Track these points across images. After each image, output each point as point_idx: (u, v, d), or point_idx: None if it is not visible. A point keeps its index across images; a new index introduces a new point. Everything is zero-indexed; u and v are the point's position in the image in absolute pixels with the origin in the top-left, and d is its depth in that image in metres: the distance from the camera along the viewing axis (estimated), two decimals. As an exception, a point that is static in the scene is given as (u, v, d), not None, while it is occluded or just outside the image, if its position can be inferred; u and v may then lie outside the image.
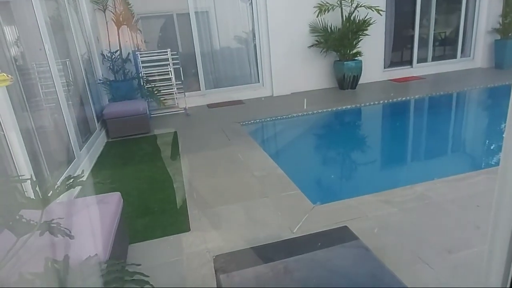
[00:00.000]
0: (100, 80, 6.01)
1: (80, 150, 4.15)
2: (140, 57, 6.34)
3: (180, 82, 6.74)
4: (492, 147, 4.82)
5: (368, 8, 7.05)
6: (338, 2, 7.18)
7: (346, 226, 1.66)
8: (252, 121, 5.96)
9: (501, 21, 8.44)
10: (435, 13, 8.59)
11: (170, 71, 6.56)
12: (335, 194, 3.71)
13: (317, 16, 7.26)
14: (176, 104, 6.87)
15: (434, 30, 8.74)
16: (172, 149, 4.85)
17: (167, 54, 6.47)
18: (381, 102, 6.66)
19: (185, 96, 6.82)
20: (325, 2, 7.22)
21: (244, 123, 5.81)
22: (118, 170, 4.29)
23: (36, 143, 3.11)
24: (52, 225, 1.45)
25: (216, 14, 7.33)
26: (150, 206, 3.20)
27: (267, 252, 1.48)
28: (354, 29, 7.18)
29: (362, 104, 6.61)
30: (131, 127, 5.55)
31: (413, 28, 8.54)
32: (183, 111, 6.79)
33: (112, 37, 6.31)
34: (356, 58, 7.46)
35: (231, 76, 7.74)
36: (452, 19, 8.97)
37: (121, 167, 4.41)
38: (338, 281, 1.29)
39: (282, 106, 6.82)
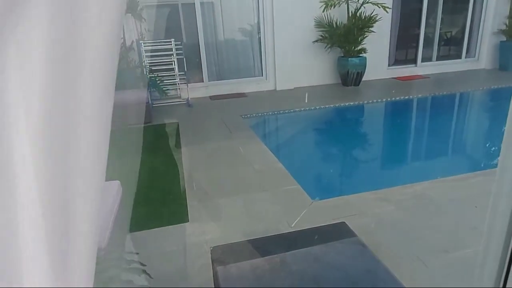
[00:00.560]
0: (103, 68, 5.99)
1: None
2: (144, 46, 6.32)
3: (183, 73, 6.73)
4: (491, 149, 4.82)
5: (375, 4, 6.99)
6: (345, -2, 7.13)
7: (344, 222, 1.68)
8: (254, 115, 5.96)
9: (507, 23, 8.38)
10: (442, 12, 8.52)
11: (174, 61, 6.54)
12: (334, 190, 3.73)
13: (323, 11, 7.21)
14: (179, 95, 6.86)
15: (440, 30, 8.68)
16: (173, 139, 4.86)
17: (171, 44, 6.45)
18: (384, 100, 6.65)
19: (187, 87, 6.81)
20: (331, -3, 7.16)
21: (246, 116, 5.81)
22: (118, 159, 4.30)
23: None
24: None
25: (221, 5, 7.28)
26: (150, 195, 3.22)
27: (264, 245, 1.49)
28: (359, 25, 7.13)
29: (365, 102, 6.59)
30: (133, 116, 5.54)
31: (419, 26, 8.48)
32: (185, 102, 6.78)
33: (116, 25, 6.27)
34: (360, 55, 7.43)
35: (235, 69, 7.72)
36: (458, 19, 8.90)
37: (121, 156, 4.41)
38: (334, 275, 1.30)
39: (285, 100, 6.81)
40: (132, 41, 6.52)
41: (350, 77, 7.45)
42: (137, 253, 1.39)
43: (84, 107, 0.47)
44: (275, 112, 6.14)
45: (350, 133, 5.64)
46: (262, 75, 7.77)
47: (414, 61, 8.73)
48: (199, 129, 5.26)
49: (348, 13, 7.19)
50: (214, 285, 1.36)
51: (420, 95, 6.95)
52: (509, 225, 0.69)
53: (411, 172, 4.11)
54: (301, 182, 3.32)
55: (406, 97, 6.81)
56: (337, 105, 6.37)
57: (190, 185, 3.39)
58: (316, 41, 7.56)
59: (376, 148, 5.07)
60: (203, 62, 7.41)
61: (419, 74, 8.52)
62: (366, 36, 7.32)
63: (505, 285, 0.71)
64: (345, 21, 7.30)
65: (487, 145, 5.08)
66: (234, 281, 1.30)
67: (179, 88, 6.82)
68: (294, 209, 2.83)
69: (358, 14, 7.12)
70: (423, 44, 8.59)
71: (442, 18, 8.59)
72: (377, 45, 7.77)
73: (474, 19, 8.82)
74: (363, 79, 7.60)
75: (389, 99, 6.71)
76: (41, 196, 0.44)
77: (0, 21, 0.39)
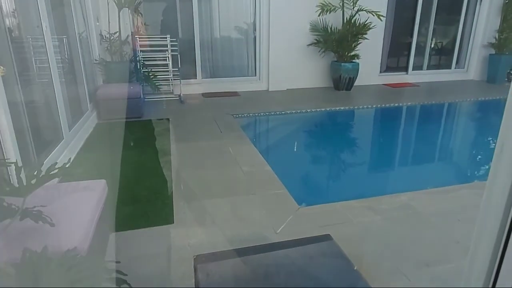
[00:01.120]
0: (96, 60, 5.90)
1: (70, 131, 4.08)
2: (139, 40, 6.24)
3: (177, 69, 6.68)
4: (477, 161, 4.92)
5: (369, 12, 7.05)
6: (341, 4, 7.17)
7: (328, 234, 1.69)
8: (246, 114, 5.95)
9: (497, 36, 8.56)
10: (434, 23, 8.66)
11: (168, 57, 6.49)
12: (321, 196, 3.75)
13: (319, 15, 7.24)
14: (171, 91, 6.80)
15: (431, 40, 8.82)
16: (163, 136, 4.81)
17: (166, 40, 6.39)
18: (374, 106, 6.71)
19: (180, 83, 6.76)
20: (328, 2, 7.19)
21: (237, 116, 5.79)
22: (105, 154, 4.25)
23: (24, 119, 3.05)
24: (34, 212, 1.43)
25: (219, 3, 7.24)
26: (136, 194, 3.18)
27: (248, 255, 1.49)
28: (354, 32, 7.19)
29: (356, 107, 6.64)
30: (124, 110, 5.47)
31: (411, 35, 8.60)
32: (178, 98, 6.73)
33: (113, 18, 6.19)
34: (353, 61, 7.49)
35: (229, 67, 7.69)
36: (450, 30, 9.05)
37: (109, 151, 4.36)
38: (316, 289, 1.31)
39: (277, 101, 6.83)
40: (128, 35, 6.44)
41: (342, 81, 7.51)
42: (118, 262, 1.37)
43: None
44: (266, 113, 6.14)
45: (338, 139, 5.68)
46: (256, 75, 7.76)
47: (405, 69, 8.85)
48: (190, 127, 5.23)
49: (343, 19, 7.24)
50: (196, 293, 1.36)
51: (409, 103, 7.04)
52: (497, 240, 0.69)
53: (397, 181, 4.16)
54: (289, 187, 3.32)
55: (396, 104, 6.90)
56: (328, 109, 6.40)
57: (178, 184, 3.36)
58: (311, 44, 7.59)
59: (364, 154, 5.11)
60: (197, 59, 7.37)
61: (409, 82, 8.63)
62: (360, 43, 7.39)
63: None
64: (340, 26, 7.34)
65: (473, 157, 5.17)
66: (217, 291, 1.30)
67: (172, 84, 6.77)
68: (280, 214, 2.84)
69: (352, 21, 7.17)
70: (415, 53, 8.71)
71: (434, 29, 8.73)
72: (370, 51, 7.85)
73: (465, 31, 8.98)
74: (355, 84, 7.67)
75: (379, 105, 6.77)
76: None
77: None
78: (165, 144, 4.46)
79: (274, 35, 7.33)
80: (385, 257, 2.35)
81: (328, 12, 7.22)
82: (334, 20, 7.42)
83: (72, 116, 4.32)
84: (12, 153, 2.54)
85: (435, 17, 8.58)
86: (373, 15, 7.06)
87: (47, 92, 3.74)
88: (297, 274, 1.37)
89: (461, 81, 9.01)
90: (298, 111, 6.22)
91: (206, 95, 7.22)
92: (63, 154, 3.71)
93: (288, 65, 7.57)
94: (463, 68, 9.26)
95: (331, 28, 7.43)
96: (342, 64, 7.39)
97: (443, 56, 9.31)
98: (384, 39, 8.21)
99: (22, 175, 1.56)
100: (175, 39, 6.51)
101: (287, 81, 7.68)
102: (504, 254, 0.67)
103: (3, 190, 1.42)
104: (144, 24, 6.71)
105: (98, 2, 6.18)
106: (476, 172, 4.55)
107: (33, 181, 1.42)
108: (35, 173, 1.41)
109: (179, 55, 6.62)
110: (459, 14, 8.76)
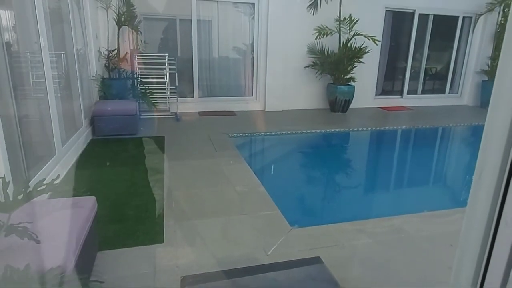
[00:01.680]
0: (93, 76, 5.95)
1: (63, 146, 4.06)
2: (138, 58, 6.32)
3: (174, 87, 6.74)
4: (471, 186, 4.92)
5: (366, 37, 7.21)
6: (337, 28, 7.34)
7: (318, 257, 1.67)
8: (241, 134, 5.97)
9: (489, 63, 8.75)
10: (428, 49, 8.88)
11: (166, 75, 6.56)
12: (314, 218, 3.72)
13: (316, 38, 7.40)
14: (168, 109, 6.84)
15: (425, 65, 9.02)
16: (157, 154, 4.80)
17: (165, 59, 6.48)
18: (369, 129, 6.77)
19: (177, 101, 6.80)
20: (325, 26, 7.36)
21: (232, 135, 5.81)
22: (98, 170, 4.22)
23: (17, 133, 3.03)
24: (19, 228, 1.41)
25: (218, 24, 7.39)
26: (126, 212, 3.14)
27: (236, 277, 1.47)
28: (350, 55, 7.33)
29: (351, 129, 6.69)
30: (119, 126, 5.48)
31: (406, 60, 8.78)
32: (174, 115, 6.76)
33: (112, 36, 6.29)
34: (349, 83, 7.60)
35: (226, 87, 7.77)
36: (443, 56, 9.26)
37: (102, 167, 4.33)
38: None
39: (273, 122, 6.87)
40: (126, 53, 6.52)
41: (338, 103, 7.59)
42: (102, 282, 1.34)
43: None
44: (262, 133, 6.16)
45: (333, 160, 5.70)
46: (252, 95, 7.84)
47: (400, 93, 8.99)
48: (184, 145, 5.22)
49: (339, 43, 7.40)
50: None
51: (404, 127, 7.11)
52: (477, 263, 0.69)
53: (390, 204, 4.15)
54: (282, 208, 3.30)
55: (391, 128, 6.96)
56: (323, 130, 6.45)
57: (169, 203, 3.33)
58: (308, 66, 7.72)
59: (358, 177, 5.11)
60: (195, 77, 7.44)
61: (404, 105, 8.75)
62: (356, 66, 7.53)
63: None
64: (336, 50, 7.49)
65: (467, 181, 5.19)
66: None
67: (168, 102, 6.81)
68: (272, 235, 2.80)
69: (349, 45, 7.33)
70: (409, 77, 8.87)
71: (428, 54, 8.94)
72: (365, 75, 7.99)
73: (458, 57, 9.20)
74: (351, 106, 7.75)
75: (374, 128, 6.83)
76: None
77: None
78: (159, 162, 4.44)
79: (272, 56, 7.45)
80: (375, 282, 2.32)
81: (325, 36, 7.39)
82: (331, 44, 7.58)
83: (66, 131, 4.31)
84: (2, 167, 2.52)
85: (429, 43, 8.81)
86: (369, 40, 7.23)
87: (41, 107, 3.74)
88: (284, 298, 1.34)
89: (455, 106, 9.15)
90: (294, 132, 6.26)
91: (202, 113, 7.25)
92: (54, 169, 3.67)
93: (285, 86, 7.67)
94: (457, 93, 9.42)
95: (327, 51, 7.58)
96: (338, 86, 7.50)
97: (437, 81, 9.49)
98: (379, 63, 8.38)
99: (10, 190, 1.54)
100: (173, 58, 6.60)
101: (284, 102, 7.75)
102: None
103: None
104: (144, 42, 6.82)
105: (98, 19, 6.28)
106: (467, 197, 4.55)
107: (19, 197, 1.40)
108: (22, 189, 1.40)
109: (176, 74, 6.69)
110: (453, 41, 9.00)
